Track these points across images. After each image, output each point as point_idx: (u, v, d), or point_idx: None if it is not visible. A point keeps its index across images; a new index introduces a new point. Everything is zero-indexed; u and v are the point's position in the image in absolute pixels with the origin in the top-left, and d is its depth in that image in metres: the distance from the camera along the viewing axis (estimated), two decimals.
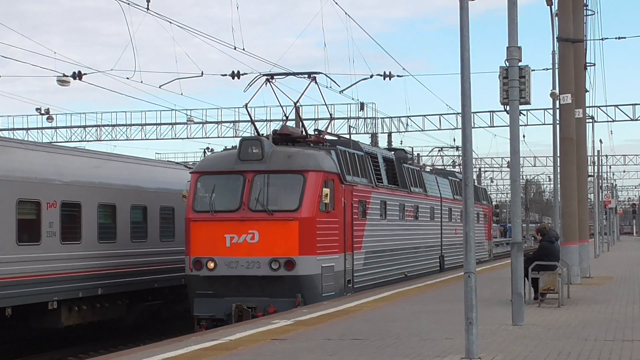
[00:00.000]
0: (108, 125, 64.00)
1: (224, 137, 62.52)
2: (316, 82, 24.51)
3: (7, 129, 63.68)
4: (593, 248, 46.50)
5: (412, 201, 29.49)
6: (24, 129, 64.37)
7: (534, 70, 17.32)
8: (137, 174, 25.27)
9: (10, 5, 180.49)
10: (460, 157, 14.69)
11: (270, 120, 55.49)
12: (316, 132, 25.24)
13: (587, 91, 33.96)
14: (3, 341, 21.78)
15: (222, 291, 20.68)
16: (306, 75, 24.45)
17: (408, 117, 62.04)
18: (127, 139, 63.92)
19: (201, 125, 62.47)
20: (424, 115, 61.84)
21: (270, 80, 24.06)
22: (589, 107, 41.55)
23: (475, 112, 57.97)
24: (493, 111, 60.80)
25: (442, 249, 33.90)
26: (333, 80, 28.97)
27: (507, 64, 16.34)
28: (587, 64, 33.97)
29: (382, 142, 57.43)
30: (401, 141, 63.11)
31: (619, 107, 59.57)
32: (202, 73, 35.31)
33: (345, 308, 19.08)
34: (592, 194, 61.99)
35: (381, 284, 25.34)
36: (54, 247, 20.87)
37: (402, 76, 42.69)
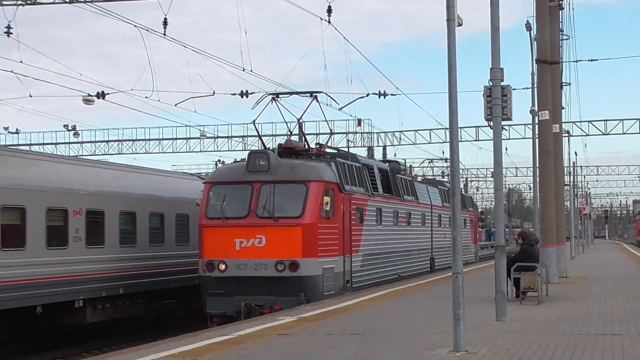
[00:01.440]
0: (129, 140, 64.01)
1: (233, 150, 62.59)
2: (317, 101, 24.51)
3: (38, 144, 63.73)
4: (569, 250, 46.43)
5: (405, 208, 29.46)
6: (52, 143, 64.41)
7: (515, 89, 17.30)
8: (155, 184, 25.26)
9: (41, 31, 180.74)
10: (449, 168, 14.66)
11: (276, 135, 55.46)
12: (317, 146, 25.21)
13: (563, 108, 33.99)
14: (34, 336, 21.78)
15: (233, 290, 20.64)
16: (308, 94, 24.44)
17: (401, 131, 62.05)
18: (145, 152, 63.96)
19: (213, 139, 62.48)
20: (416, 130, 61.85)
21: (276, 98, 24.06)
22: (565, 122, 41.53)
23: (462, 127, 58.00)
24: (478, 126, 60.86)
25: (432, 251, 33.84)
26: (333, 99, 29.02)
27: (491, 83, 16.35)
28: (563, 84, 34.03)
29: (378, 154, 57.39)
30: (395, 154, 63.15)
31: (592, 122, 59.59)
32: (214, 92, 35.34)
33: (344, 306, 19.04)
34: (568, 201, 61.91)
35: (377, 284, 25.28)
36: (80, 251, 20.86)
37: (395, 95, 42.75)
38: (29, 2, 30.06)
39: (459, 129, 12.71)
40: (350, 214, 23.05)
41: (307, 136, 27.02)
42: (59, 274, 19.96)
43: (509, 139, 59.98)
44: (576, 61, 41.35)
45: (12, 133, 61.17)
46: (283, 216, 20.78)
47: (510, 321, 15.60)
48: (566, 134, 48.98)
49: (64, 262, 20.18)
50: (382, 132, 62.10)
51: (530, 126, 30.17)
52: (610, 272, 33.41)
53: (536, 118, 27.99)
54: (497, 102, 16.26)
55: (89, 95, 36.88)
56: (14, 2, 30.04)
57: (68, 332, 22.71)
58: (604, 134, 59.19)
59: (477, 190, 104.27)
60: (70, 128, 59.05)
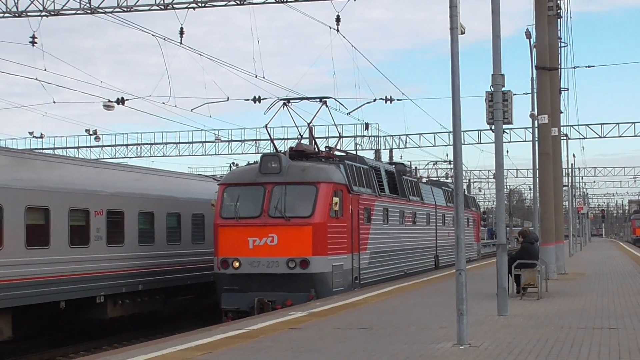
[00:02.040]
0: (147, 144, 64.19)
1: (247, 153, 62.65)
2: (327, 106, 24.50)
3: (61, 148, 63.97)
4: (568, 248, 46.31)
5: (410, 208, 29.43)
6: (75, 147, 64.65)
7: (515, 94, 17.27)
8: (172, 185, 25.30)
9: (65, 41, 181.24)
10: (452, 170, 14.66)
11: (287, 139, 55.52)
12: (327, 149, 25.22)
13: (561, 112, 33.85)
14: (58, 330, 21.84)
15: (246, 287, 20.65)
16: (318, 100, 24.42)
17: (407, 135, 62.07)
18: (163, 156, 64.14)
19: (227, 143, 62.55)
20: (421, 134, 61.87)
21: (287, 104, 24.07)
22: (564, 126, 41.34)
23: (464, 131, 57.92)
24: (480, 130, 60.77)
25: (436, 249, 33.80)
26: (341, 104, 29.12)
27: (492, 89, 16.31)
28: (562, 89, 33.88)
29: (385, 157, 57.34)
30: (401, 156, 63.23)
31: (589, 126, 59.49)
32: (228, 98, 35.45)
33: (352, 301, 19.04)
34: (567, 201, 61.72)
35: (384, 280, 25.27)
36: (101, 249, 20.92)
37: (401, 100, 42.84)
38: (52, 12, 30.17)
39: (462, 133, 12.70)
40: (358, 214, 23.04)
41: (316, 139, 27.01)
42: (81, 271, 20.02)
43: (509, 141, 60.02)
44: (574, 67, 41.35)
45: (37, 137, 61.46)
46: (294, 216, 20.79)
47: (511, 316, 15.57)
48: (564, 137, 48.82)
49: (85, 259, 20.24)
50: (389, 136, 62.28)
51: (530, 129, 30.10)
52: (607, 269, 33.32)
53: (536, 122, 27.94)
54: (498, 107, 16.23)
55: (109, 101, 36.98)
56: (38, 13, 30.18)
57: (90, 327, 22.77)
58: (600, 137, 59.10)
59: (480, 191, 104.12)
60: (91, 132, 59.20)
